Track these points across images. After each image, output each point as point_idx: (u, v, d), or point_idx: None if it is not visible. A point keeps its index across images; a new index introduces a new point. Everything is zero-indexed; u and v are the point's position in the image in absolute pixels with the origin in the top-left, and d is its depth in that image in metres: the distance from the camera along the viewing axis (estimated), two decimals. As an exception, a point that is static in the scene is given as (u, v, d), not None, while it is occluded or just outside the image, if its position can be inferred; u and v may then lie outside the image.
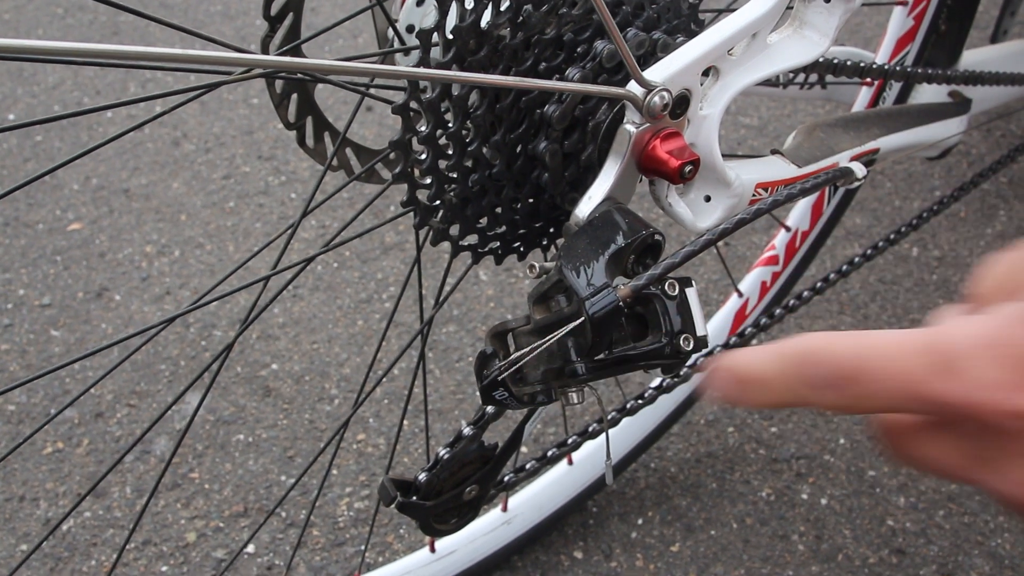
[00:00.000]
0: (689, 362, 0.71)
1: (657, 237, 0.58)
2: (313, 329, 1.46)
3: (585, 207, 0.61)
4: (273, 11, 0.66)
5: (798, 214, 1.17)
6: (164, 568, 1.12)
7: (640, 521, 1.17)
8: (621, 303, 0.54)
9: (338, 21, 0.66)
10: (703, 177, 0.65)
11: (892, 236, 1.08)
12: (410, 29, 0.70)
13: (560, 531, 1.15)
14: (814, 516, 1.18)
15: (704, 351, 0.67)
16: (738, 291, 1.18)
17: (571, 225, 0.61)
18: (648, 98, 0.57)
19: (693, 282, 0.62)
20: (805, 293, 1.05)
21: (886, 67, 0.90)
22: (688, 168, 0.60)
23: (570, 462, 1.12)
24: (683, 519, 1.17)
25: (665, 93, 0.58)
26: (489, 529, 1.06)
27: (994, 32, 1.48)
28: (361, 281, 1.55)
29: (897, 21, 1.08)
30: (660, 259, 0.58)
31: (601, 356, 0.58)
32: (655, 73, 0.58)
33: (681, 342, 0.59)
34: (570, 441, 0.85)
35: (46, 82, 2.12)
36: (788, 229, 1.17)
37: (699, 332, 0.60)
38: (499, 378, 0.56)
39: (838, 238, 1.64)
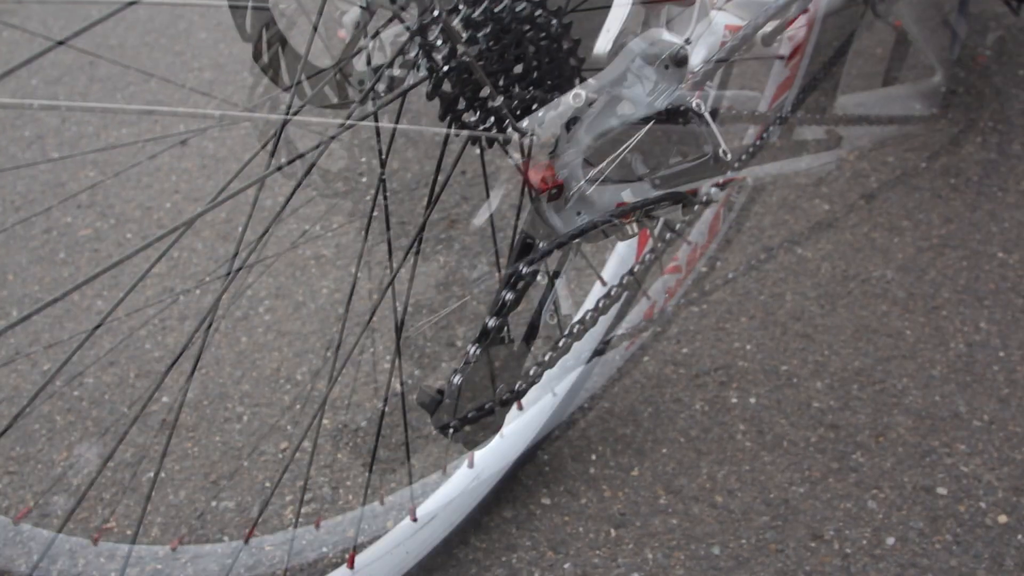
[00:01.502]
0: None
1: (528, 240, 0.81)
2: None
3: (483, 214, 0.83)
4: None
5: (697, 231, 1.39)
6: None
7: (593, 457, 1.29)
8: (497, 284, 0.76)
9: (297, 80, 0.88)
10: (574, 197, 0.87)
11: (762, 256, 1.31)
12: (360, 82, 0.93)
13: (522, 485, 1.26)
14: (749, 415, 1.32)
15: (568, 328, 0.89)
16: (646, 295, 1.40)
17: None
18: (522, 140, 0.80)
19: (562, 275, 0.84)
20: (694, 295, 1.27)
21: (748, 113, 1.13)
22: (554, 190, 0.82)
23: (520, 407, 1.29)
24: (632, 446, 1.30)
25: (535, 137, 0.80)
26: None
27: (884, 77, 1.72)
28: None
29: (776, 72, 1.31)
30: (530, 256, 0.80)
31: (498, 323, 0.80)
32: (528, 123, 0.80)
33: (547, 318, 0.81)
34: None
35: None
36: (689, 243, 1.39)
37: (563, 311, 0.83)
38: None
39: (755, 252, 1.87)
